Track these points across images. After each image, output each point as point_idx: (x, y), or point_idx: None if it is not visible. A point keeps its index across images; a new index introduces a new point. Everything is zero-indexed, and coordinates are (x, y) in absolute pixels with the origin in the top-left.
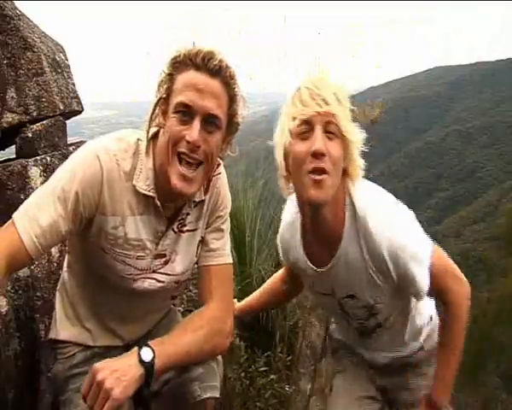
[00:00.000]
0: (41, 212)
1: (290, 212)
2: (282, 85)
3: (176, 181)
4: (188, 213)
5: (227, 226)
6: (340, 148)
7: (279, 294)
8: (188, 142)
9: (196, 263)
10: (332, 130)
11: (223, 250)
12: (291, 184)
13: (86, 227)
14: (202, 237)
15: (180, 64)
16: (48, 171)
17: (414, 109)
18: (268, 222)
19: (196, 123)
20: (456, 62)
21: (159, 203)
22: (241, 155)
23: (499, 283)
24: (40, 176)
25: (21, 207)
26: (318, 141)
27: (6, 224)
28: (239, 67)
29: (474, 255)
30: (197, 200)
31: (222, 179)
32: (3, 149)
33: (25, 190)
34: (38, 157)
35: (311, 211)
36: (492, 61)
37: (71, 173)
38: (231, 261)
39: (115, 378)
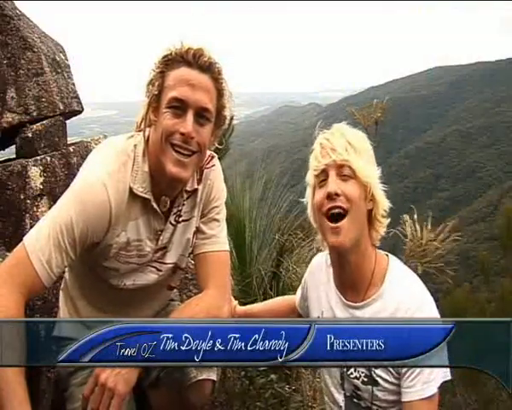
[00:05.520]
0: (52, 242)
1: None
2: (282, 85)
3: (171, 166)
4: (183, 204)
5: (222, 216)
6: (357, 187)
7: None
8: (182, 134)
9: (192, 253)
10: (346, 173)
11: (218, 237)
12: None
13: (92, 245)
14: (197, 228)
15: (171, 61)
16: (48, 171)
17: (414, 109)
18: (268, 222)
19: (190, 116)
20: (456, 62)
21: (155, 205)
22: (241, 155)
23: (498, 283)
24: (40, 176)
25: (32, 236)
26: (330, 184)
27: (16, 250)
28: (239, 67)
29: (474, 255)
30: (189, 189)
31: (216, 172)
32: (3, 149)
33: (25, 190)
34: (38, 157)
35: (335, 255)
36: (492, 61)
37: (80, 205)
38: (228, 248)
39: (115, 375)
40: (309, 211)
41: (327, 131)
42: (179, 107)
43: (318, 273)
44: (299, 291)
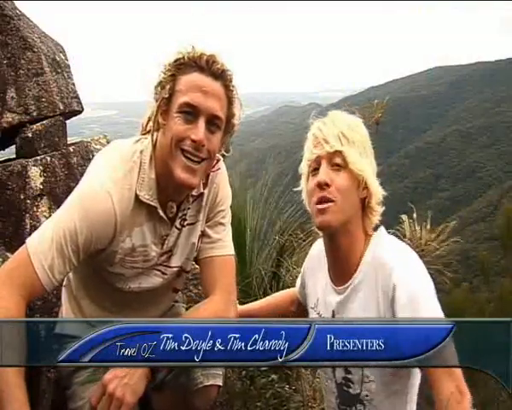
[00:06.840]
0: (55, 246)
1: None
2: (282, 85)
3: (179, 172)
4: (188, 208)
5: (228, 219)
6: (349, 178)
7: (283, 313)
8: (193, 141)
9: (197, 258)
10: (338, 162)
11: (224, 241)
12: None
13: (96, 252)
14: (202, 232)
15: (183, 66)
16: (48, 171)
17: (414, 109)
18: (268, 222)
19: (201, 123)
20: (456, 62)
21: (161, 213)
22: (241, 155)
23: (498, 283)
24: (40, 176)
25: (35, 239)
26: (321, 174)
27: (18, 252)
28: (239, 67)
29: (474, 255)
30: (195, 194)
31: (221, 175)
32: (3, 149)
33: (25, 190)
34: (38, 157)
35: (327, 239)
36: (492, 61)
37: (83, 211)
38: (233, 253)
39: (124, 385)
40: (303, 197)
41: (321, 120)
42: (191, 112)
43: (316, 259)
44: (298, 279)
